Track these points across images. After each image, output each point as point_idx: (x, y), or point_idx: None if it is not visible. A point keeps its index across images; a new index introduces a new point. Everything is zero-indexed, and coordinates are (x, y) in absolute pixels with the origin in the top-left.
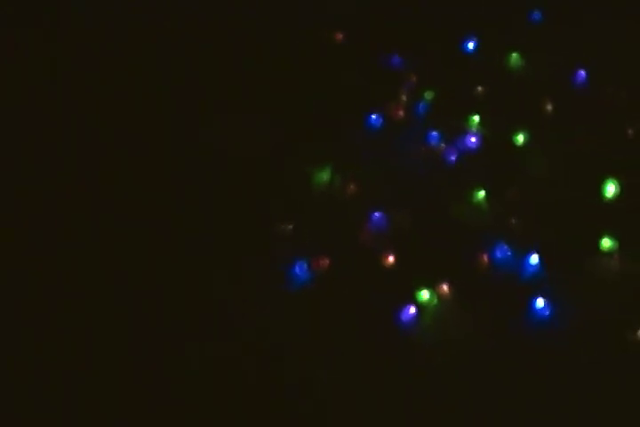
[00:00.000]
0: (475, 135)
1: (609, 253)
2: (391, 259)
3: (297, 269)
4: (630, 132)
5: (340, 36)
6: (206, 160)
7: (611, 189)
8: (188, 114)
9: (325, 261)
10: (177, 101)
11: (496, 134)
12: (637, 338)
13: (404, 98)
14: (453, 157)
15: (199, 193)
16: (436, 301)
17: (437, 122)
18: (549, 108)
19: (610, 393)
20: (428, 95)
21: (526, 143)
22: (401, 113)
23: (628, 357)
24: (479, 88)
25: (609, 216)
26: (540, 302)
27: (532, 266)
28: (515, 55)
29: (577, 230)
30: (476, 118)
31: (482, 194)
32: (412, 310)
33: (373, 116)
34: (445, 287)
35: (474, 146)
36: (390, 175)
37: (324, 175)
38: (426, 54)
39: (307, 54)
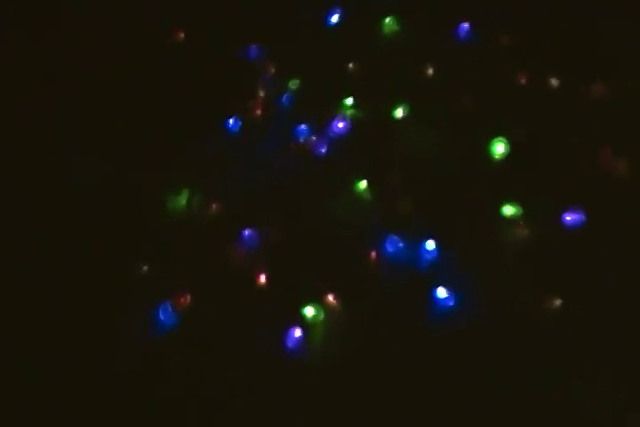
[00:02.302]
0: (342, 120)
1: (513, 221)
2: (263, 279)
3: (161, 314)
4: (517, 85)
5: (180, 34)
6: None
7: (499, 149)
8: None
9: (187, 298)
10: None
11: (373, 114)
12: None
13: (261, 94)
14: (324, 149)
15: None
16: (322, 315)
17: (307, 113)
18: (430, 73)
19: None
20: (293, 84)
21: (406, 117)
22: (259, 112)
23: (543, 350)
24: (350, 65)
25: (503, 182)
26: (441, 292)
27: (428, 253)
28: (388, 20)
29: (473, 205)
30: (349, 101)
31: (363, 184)
32: (298, 332)
33: (230, 122)
34: (332, 298)
35: (343, 131)
36: (257, 185)
37: (181, 199)
38: (284, 39)
39: (144, 57)
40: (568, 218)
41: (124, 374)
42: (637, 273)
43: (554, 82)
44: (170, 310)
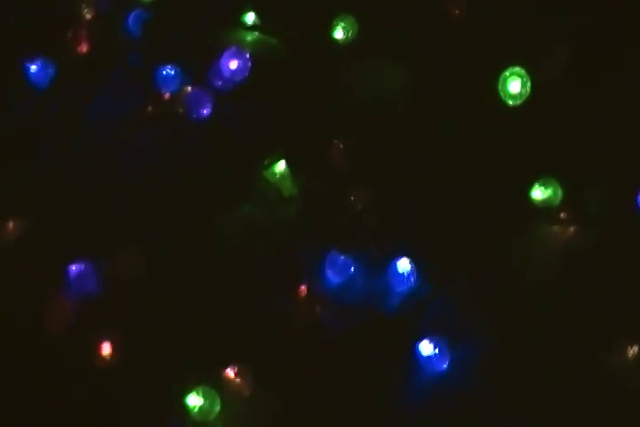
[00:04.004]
0: (238, 54)
1: (547, 211)
2: (107, 349)
3: None
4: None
5: None
6: None
7: (514, 88)
8: None
9: None
10: None
11: (293, 38)
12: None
13: (88, 15)
14: (207, 109)
15: None
16: (218, 404)
17: (174, 45)
18: None
19: None
20: None
21: (352, 41)
22: (84, 48)
23: None
24: None
25: (527, 147)
26: (425, 347)
27: (401, 280)
28: None
29: (475, 190)
30: (250, 18)
31: (279, 167)
32: None
33: (32, 68)
34: (232, 374)
35: (239, 75)
36: (90, 180)
37: None
38: None
39: None
40: None
41: None
42: None
43: None
44: None
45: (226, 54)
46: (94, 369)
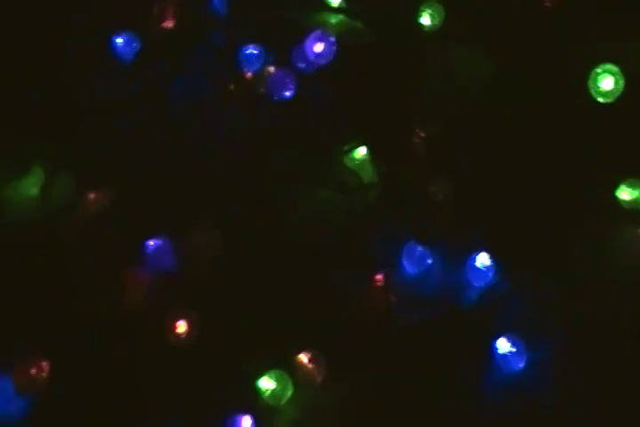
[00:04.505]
0: (323, 37)
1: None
2: (183, 327)
3: None
4: None
5: None
6: None
7: (607, 85)
8: None
9: (41, 369)
10: None
11: (380, 24)
12: None
13: None
14: (289, 90)
15: None
16: (289, 391)
17: (259, 26)
18: None
19: None
20: None
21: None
22: (170, 23)
23: None
24: None
25: (617, 144)
26: (503, 345)
27: (480, 274)
28: None
29: (558, 188)
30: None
31: (360, 153)
32: (246, 423)
33: (119, 41)
34: (305, 360)
35: (323, 59)
36: (172, 158)
37: (28, 185)
38: None
39: None
40: None
41: None
42: None
43: None
44: (10, 390)
45: (311, 37)
46: (168, 347)
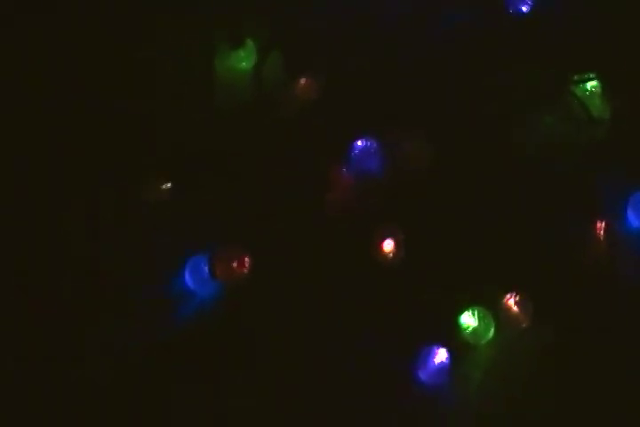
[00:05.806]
0: None
1: None
2: (390, 246)
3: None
4: None
5: None
6: None
7: None
8: None
9: (243, 263)
10: None
11: None
12: None
13: None
14: (526, 7)
15: None
16: (491, 331)
17: None
18: None
19: None
20: None
21: None
22: None
23: None
24: None
25: None
26: None
27: None
28: None
29: None
30: None
31: (592, 84)
32: (442, 355)
33: None
34: (512, 301)
35: None
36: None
37: (241, 59)
38: None
39: None
40: None
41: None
42: None
43: None
44: (205, 273)
45: None
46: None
